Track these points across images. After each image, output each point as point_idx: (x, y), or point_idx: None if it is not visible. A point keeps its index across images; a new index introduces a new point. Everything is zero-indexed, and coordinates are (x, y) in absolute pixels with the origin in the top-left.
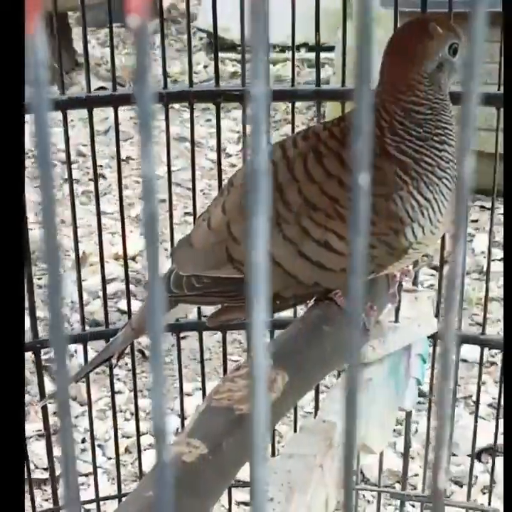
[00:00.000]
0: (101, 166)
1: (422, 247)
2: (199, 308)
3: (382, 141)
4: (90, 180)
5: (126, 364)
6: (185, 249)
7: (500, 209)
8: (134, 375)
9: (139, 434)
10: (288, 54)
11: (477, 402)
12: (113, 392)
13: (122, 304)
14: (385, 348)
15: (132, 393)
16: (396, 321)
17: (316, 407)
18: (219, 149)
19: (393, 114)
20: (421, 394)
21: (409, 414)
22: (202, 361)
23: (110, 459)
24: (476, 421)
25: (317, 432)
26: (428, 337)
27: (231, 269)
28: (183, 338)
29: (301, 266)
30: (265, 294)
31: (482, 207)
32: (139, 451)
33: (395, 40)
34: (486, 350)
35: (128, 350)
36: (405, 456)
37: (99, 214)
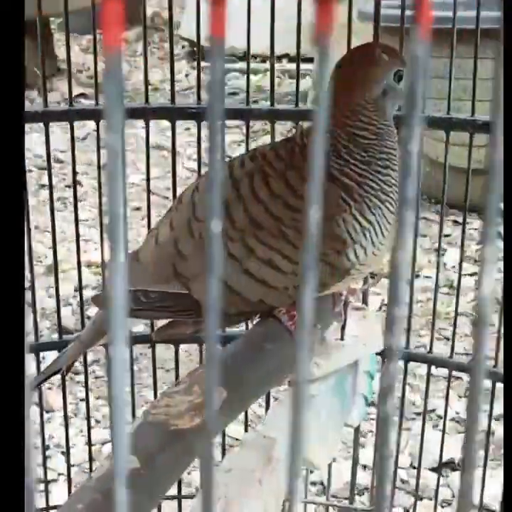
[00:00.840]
0: (77, 172)
1: (364, 268)
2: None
3: (326, 164)
4: (66, 186)
5: (94, 371)
6: (133, 264)
7: (472, 224)
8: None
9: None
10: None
11: (445, 417)
12: (65, 402)
13: (91, 312)
14: (329, 365)
15: (99, 401)
16: (342, 338)
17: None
18: (199, 161)
19: (338, 138)
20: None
21: (357, 429)
22: (154, 373)
23: (73, 466)
24: (443, 435)
25: (257, 447)
26: (377, 354)
27: (177, 285)
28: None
29: (245, 283)
30: (218, 309)
31: (455, 221)
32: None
33: (341, 66)
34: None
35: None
36: (353, 470)
37: (77, 221)
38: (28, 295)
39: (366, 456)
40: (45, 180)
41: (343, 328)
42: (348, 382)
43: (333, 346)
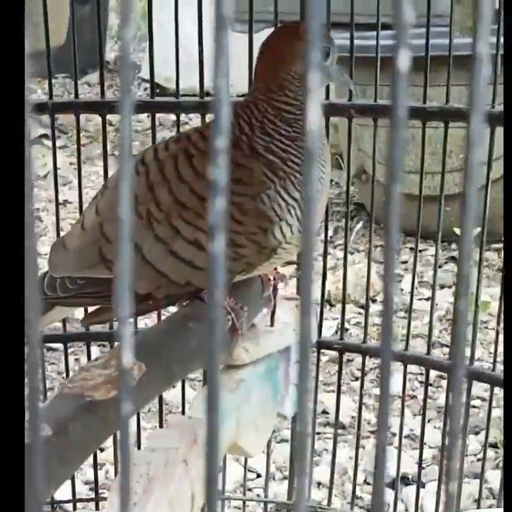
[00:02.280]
0: (38, 208)
1: (291, 248)
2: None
3: (251, 140)
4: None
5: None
6: (59, 250)
7: (428, 250)
8: None
9: None
10: None
11: (400, 433)
12: None
13: None
14: (258, 351)
15: None
16: (272, 325)
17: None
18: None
19: (265, 112)
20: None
21: (293, 420)
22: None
23: None
24: (399, 451)
25: (182, 427)
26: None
27: (103, 270)
28: None
29: (172, 265)
30: (129, 290)
31: (411, 248)
32: None
33: (267, 42)
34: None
35: None
36: (291, 464)
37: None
38: None
39: (320, 474)
40: None
41: (272, 314)
42: (280, 371)
43: (263, 332)
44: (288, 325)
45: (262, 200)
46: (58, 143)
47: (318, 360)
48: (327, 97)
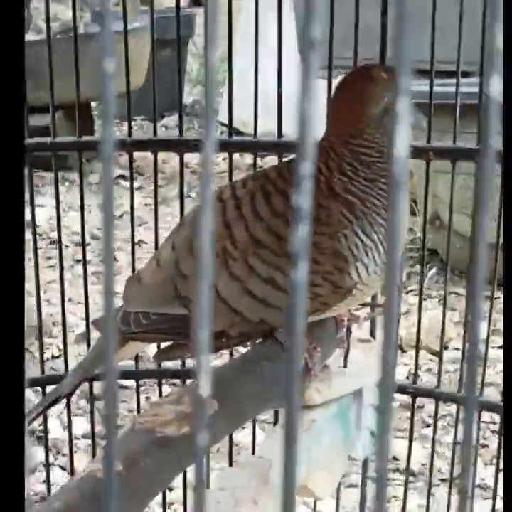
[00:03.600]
0: (114, 248)
1: (366, 289)
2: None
3: (330, 180)
4: (101, 261)
5: None
6: (134, 285)
7: (501, 298)
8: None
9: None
10: None
11: (473, 483)
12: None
13: None
14: (331, 392)
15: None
16: (344, 366)
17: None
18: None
19: (342, 155)
20: None
21: (365, 463)
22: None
23: None
24: (471, 501)
25: (252, 466)
26: None
27: (178, 306)
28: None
29: (247, 303)
30: (208, 321)
31: (487, 296)
32: None
33: (341, 86)
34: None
35: None
36: (361, 509)
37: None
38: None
39: None
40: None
41: (346, 355)
42: (353, 414)
43: (335, 373)
44: (361, 367)
45: (339, 240)
46: (135, 184)
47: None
48: None
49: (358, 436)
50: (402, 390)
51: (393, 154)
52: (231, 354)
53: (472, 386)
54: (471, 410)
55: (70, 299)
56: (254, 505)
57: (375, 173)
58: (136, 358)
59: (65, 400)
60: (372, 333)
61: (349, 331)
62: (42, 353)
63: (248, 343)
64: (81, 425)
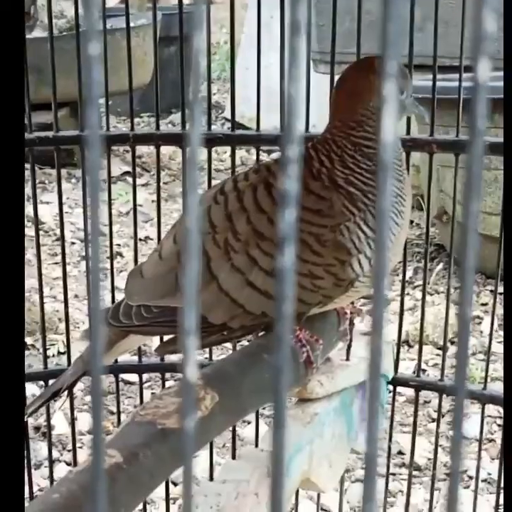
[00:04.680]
0: (119, 244)
1: (369, 281)
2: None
3: (332, 172)
4: (107, 258)
5: None
6: (136, 279)
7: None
8: None
9: None
10: None
11: (477, 477)
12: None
13: None
14: (333, 384)
15: None
16: (347, 359)
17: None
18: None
19: (344, 147)
20: None
21: None
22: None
23: None
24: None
25: (254, 459)
26: (387, 383)
27: (180, 298)
28: None
29: (248, 295)
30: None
31: (491, 291)
32: None
33: (343, 78)
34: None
35: None
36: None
37: (113, 289)
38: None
39: None
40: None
41: (348, 348)
42: (355, 407)
43: (338, 366)
44: (364, 360)
45: (341, 233)
46: (141, 180)
47: (394, 399)
48: (408, 132)
49: (362, 429)
50: (405, 383)
51: (381, 139)
52: (234, 347)
53: (462, 376)
54: (461, 399)
55: (76, 296)
56: (256, 498)
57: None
58: (139, 352)
59: (69, 395)
60: None
61: (352, 324)
62: (45, 348)
63: (250, 336)
64: (86, 420)
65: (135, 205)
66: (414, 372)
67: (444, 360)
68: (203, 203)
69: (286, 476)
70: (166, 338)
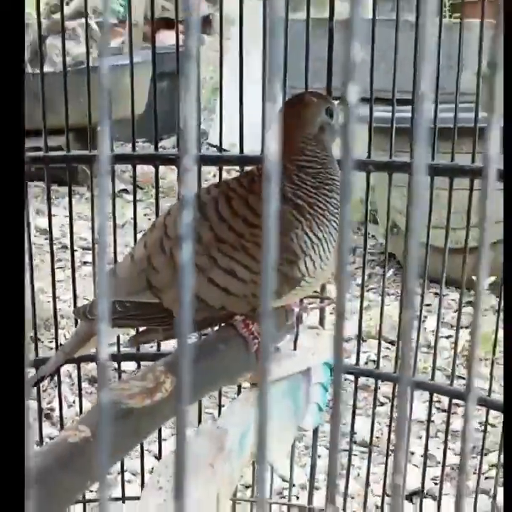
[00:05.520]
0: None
1: (313, 281)
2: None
3: (281, 189)
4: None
5: None
6: (110, 278)
7: (449, 295)
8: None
9: None
10: None
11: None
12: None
13: None
14: (280, 371)
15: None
16: (294, 349)
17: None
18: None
19: (290, 170)
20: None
21: (315, 432)
22: None
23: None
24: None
25: (210, 436)
26: (331, 369)
27: (149, 295)
28: None
29: (209, 291)
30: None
31: (435, 293)
32: None
33: (282, 114)
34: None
35: None
36: (312, 473)
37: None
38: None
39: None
40: (87, 258)
41: (295, 340)
42: (302, 391)
43: (285, 355)
44: (308, 350)
45: (290, 238)
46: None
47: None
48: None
49: (307, 410)
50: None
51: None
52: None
53: (405, 366)
54: (404, 387)
55: (84, 297)
56: (211, 469)
57: (320, 181)
58: (118, 343)
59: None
60: (322, 322)
61: (299, 319)
62: (36, 340)
63: (210, 328)
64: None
65: (135, 217)
66: (367, 363)
67: (379, 353)
68: (171, 213)
69: (240, 452)
70: (140, 330)
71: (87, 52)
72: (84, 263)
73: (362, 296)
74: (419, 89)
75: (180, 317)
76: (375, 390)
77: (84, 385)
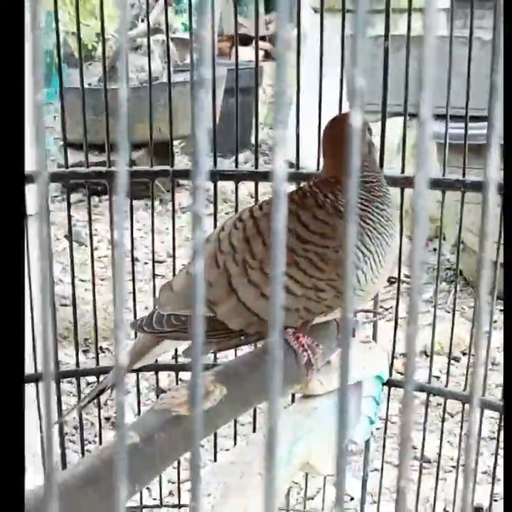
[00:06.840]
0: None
1: (364, 294)
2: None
3: (335, 203)
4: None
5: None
6: (166, 292)
7: None
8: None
9: None
10: None
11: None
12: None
13: None
14: (331, 384)
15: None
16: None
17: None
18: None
19: (345, 183)
20: None
21: (367, 446)
22: None
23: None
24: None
25: (260, 444)
26: (382, 384)
27: (204, 309)
28: None
29: (262, 305)
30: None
31: (501, 310)
32: None
33: (326, 135)
34: None
35: None
36: (363, 485)
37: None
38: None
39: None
40: (159, 271)
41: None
42: (352, 403)
43: (336, 368)
44: (360, 363)
45: (342, 252)
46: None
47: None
48: (403, 171)
49: (358, 422)
50: (419, 388)
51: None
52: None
53: (475, 385)
54: (474, 406)
55: (146, 308)
56: (260, 477)
57: (373, 195)
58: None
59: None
60: (374, 336)
61: (352, 332)
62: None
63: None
64: None
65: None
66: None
67: (448, 369)
68: (225, 229)
69: (288, 460)
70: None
71: (169, 68)
72: (156, 276)
73: (435, 313)
74: (353, 105)
75: (193, 326)
76: (444, 409)
77: (152, 395)
